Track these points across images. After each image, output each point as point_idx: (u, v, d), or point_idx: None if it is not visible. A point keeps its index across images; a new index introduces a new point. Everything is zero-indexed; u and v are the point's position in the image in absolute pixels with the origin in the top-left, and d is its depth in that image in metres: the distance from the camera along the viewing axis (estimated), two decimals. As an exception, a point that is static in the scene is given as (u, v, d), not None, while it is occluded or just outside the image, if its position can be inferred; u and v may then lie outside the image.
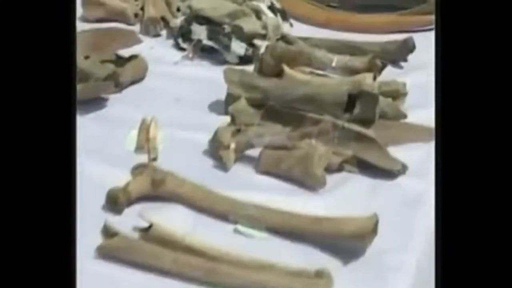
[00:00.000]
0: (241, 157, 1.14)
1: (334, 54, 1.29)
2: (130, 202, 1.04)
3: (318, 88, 1.20)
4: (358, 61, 1.27)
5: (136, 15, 1.58)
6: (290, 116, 1.15)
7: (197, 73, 1.40)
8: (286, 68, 1.28)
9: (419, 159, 1.15)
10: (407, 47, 1.38)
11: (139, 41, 1.43)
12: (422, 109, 1.26)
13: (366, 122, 1.16)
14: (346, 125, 1.12)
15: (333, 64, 1.27)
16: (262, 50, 1.40)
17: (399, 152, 1.14)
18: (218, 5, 1.48)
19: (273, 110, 1.16)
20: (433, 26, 1.51)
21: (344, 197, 1.07)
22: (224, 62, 1.44)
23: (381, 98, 1.19)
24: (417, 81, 1.35)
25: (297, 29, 1.55)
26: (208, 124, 1.20)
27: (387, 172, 1.10)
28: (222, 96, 1.27)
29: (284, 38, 1.32)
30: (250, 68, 1.34)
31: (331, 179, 1.10)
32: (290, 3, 1.58)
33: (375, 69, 1.25)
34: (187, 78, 1.39)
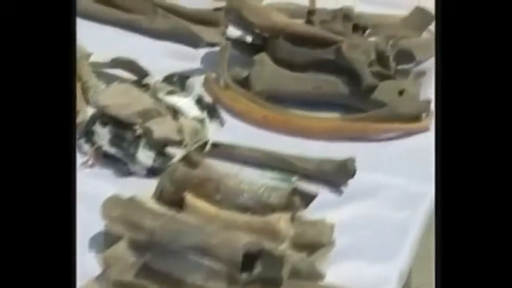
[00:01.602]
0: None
1: (249, 185, 1.04)
2: None
3: (214, 237, 0.94)
4: (274, 195, 1.02)
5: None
6: (168, 280, 0.90)
7: (94, 188, 1.15)
8: (188, 198, 1.03)
9: None
10: (346, 171, 1.12)
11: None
12: (356, 262, 1.01)
13: (270, 284, 0.91)
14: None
15: (244, 197, 1.02)
16: (175, 159, 1.16)
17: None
18: (132, 100, 1.24)
19: (149, 269, 0.92)
20: (389, 136, 1.26)
21: None
22: (130, 172, 1.19)
23: (292, 253, 0.94)
24: (355, 214, 1.10)
25: (230, 128, 1.29)
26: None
27: None
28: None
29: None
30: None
31: None
32: (223, 96, 1.33)
33: (294, 208, 1.00)
34: (80, 195, 1.14)
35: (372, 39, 1.38)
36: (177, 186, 1.04)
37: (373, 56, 1.28)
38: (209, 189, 1.04)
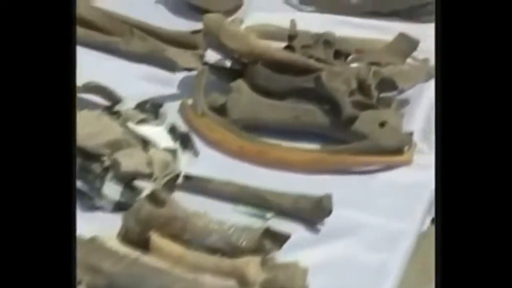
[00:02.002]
0: None
1: (219, 224, 0.98)
2: None
3: (177, 283, 0.89)
4: (244, 236, 0.96)
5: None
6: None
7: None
8: (153, 238, 0.97)
9: None
10: (322, 208, 1.07)
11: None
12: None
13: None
14: None
15: (213, 238, 0.96)
16: (144, 194, 1.10)
17: None
18: (101, 129, 1.18)
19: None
20: (370, 169, 1.20)
21: None
22: (96, 207, 1.13)
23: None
24: (332, 255, 1.04)
25: (204, 158, 1.23)
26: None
27: None
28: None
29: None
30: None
31: None
32: (199, 124, 1.28)
33: (265, 251, 0.94)
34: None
35: (355, 65, 1.32)
36: (142, 226, 0.98)
37: (354, 84, 1.22)
38: (176, 228, 0.98)
